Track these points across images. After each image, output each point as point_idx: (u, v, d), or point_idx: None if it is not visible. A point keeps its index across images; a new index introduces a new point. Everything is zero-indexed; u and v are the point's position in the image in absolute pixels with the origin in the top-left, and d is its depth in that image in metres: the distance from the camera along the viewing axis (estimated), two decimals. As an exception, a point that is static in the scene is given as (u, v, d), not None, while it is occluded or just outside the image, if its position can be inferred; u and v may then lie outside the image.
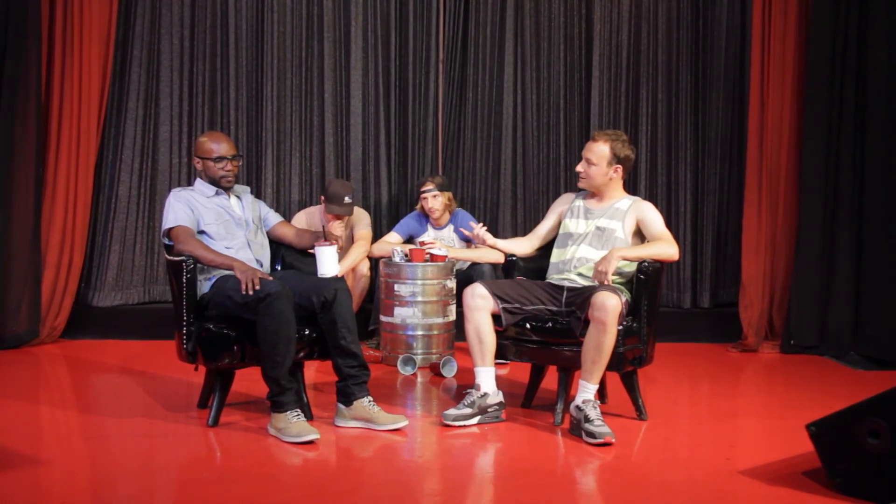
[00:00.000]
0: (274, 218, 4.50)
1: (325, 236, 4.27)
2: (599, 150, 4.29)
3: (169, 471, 3.62)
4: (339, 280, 4.14)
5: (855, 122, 5.74)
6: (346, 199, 5.43)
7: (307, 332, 4.07)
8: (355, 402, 4.04)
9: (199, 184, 4.31)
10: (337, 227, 4.42)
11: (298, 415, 3.90)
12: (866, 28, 5.68)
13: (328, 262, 4.16)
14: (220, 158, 4.26)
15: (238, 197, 4.38)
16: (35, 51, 5.64)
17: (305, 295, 4.03)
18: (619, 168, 4.31)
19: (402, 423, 4.03)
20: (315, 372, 5.07)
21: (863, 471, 3.22)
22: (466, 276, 5.45)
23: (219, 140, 4.32)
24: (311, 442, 3.82)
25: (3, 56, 5.52)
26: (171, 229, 4.16)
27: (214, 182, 4.28)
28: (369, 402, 4.05)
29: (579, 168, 4.34)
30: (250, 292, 3.89)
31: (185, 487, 3.44)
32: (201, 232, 4.20)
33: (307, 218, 5.91)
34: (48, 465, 3.57)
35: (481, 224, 4.47)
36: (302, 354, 4.10)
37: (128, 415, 4.32)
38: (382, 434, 4.00)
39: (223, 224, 4.24)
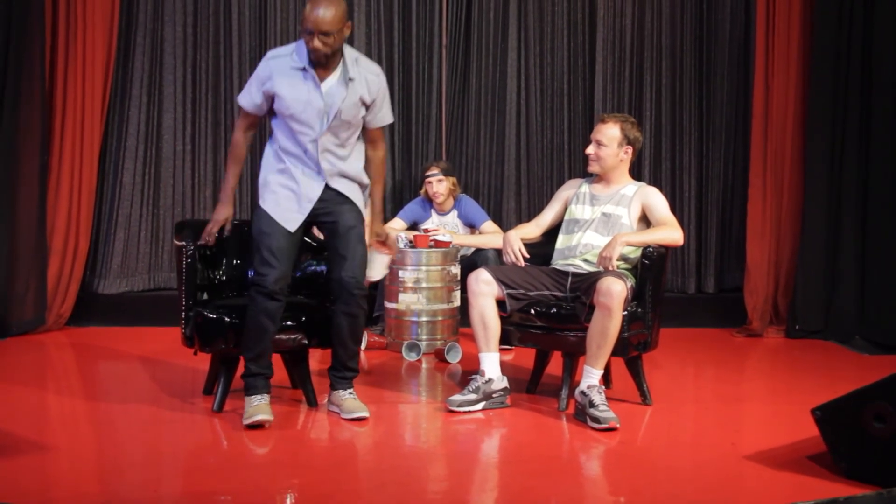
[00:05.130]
0: (378, 121, 3.98)
1: (386, 240, 4.12)
2: (610, 132, 4.28)
3: (175, 457, 3.64)
4: (364, 297, 3.97)
5: (860, 105, 5.71)
6: None
7: (304, 319, 4.07)
8: (334, 392, 4.06)
9: (300, 46, 3.83)
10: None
11: (262, 398, 3.87)
12: (872, 10, 5.65)
13: (379, 267, 4.12)
14: (304, 30, 3.72)
15: (348, 76, 3.80)
16: (39, 39, 5.63)
17: (336, 277, 3.92)
18: (630, 149, 4.30)
19: (362, 414, 3.95)
20: (322, 355, 5.07)
21: (868, 455, 3.22)
22: (471, 261, 5.45)
23: (315, 5, 3.69)
24: (259, 426, 3.79)
25: (7, 45, 5.52)
26: (239, 108, 3.98)
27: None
28: (347, 392, 4.03)
29: (589, 150, 4.32)
30: (202, 242, 3.98)
31: (191, 473, 3.45)
32: (276, 115, 3.87)
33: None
34: (55, 452, 3.58)
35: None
36: (305, 342, 4.10)
37: (134, 401, 4.33)
38: (388, 420, 4.01)
39: (301, 114, 3.79)
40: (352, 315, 3.94)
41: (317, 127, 3.82)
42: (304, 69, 3.79)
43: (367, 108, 3.91)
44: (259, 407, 3.84)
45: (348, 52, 3.87)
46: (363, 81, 3.86)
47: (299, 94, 3.80)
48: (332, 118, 3.81)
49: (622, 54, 6.40)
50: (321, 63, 3.78)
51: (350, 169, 3.95)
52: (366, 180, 4.03)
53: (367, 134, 4.01)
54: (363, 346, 5.32)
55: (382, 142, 4.10)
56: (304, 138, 3.85)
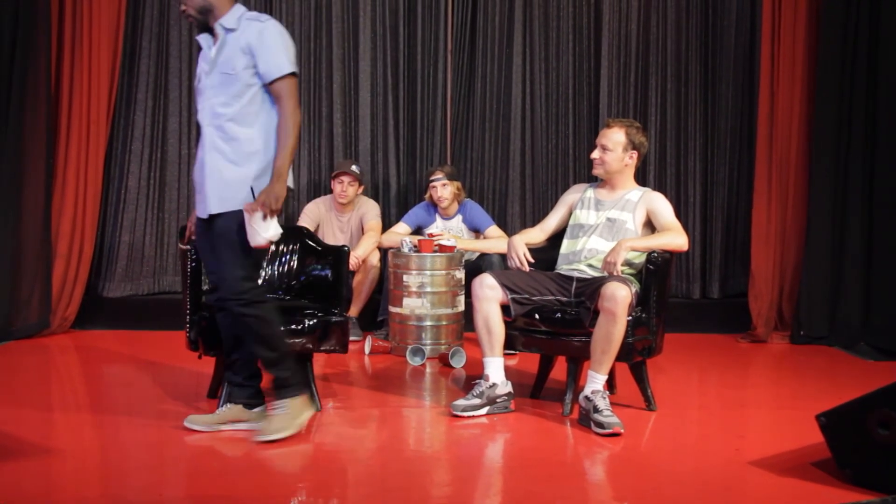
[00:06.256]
0: (270, 70, 3.58)
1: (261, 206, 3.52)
2: (615, 137, 4.29)
3: (179, 461, 3.64)
4: (239, 302, 3.65)
5: (865, 112, 5.71)
6: (353, 167, 5.86)
7: (306, 323, 4.07)
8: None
9: None
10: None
11: (227, 408, 3.83)
12: (878, 18, 5.65)
13: (259, 229, 3.52)
14: None
15: (227, 27, 3.64)
16: (45, 43, 5.65)
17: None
18: (635, 154, 4.31)
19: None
20: (326, 359, 5.08)
21: (872, 461, 3.21)
22: (475, 266, 5.45)
23: None
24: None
25: (13, 49, 5.54)
26: None
27: None
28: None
29: (594, 155, 4.33)
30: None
31: (194, 477, 3.45)
32: None
33: (315, 208, 5.94)
34: (58, 455, 3.59)
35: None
36: (309, 346, 4.09)
37: (137, 405, 4.34)
38: (392, 424, 4.00)
39: (199, 84, 3.72)
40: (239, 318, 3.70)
41: (206, 85, 3.69)
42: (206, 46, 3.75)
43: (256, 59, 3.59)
44: (219, 414, 3.82)
45: (237, 10, 3.68)
46: (244, 30, 3.61)
47: (199, 66, 3.75)
48: (210, 68, 3.63)
49: (627, 59, 6.40)
50: (201, 27, 3.68)
51: (237, 135, 3.59)
52: (258, 155, 3.59)
53: (270, 92, 3.62)
54: (367, 351, 5.33)
55: (288, 100, 3.58)
56: (199, 105, 3.71)
